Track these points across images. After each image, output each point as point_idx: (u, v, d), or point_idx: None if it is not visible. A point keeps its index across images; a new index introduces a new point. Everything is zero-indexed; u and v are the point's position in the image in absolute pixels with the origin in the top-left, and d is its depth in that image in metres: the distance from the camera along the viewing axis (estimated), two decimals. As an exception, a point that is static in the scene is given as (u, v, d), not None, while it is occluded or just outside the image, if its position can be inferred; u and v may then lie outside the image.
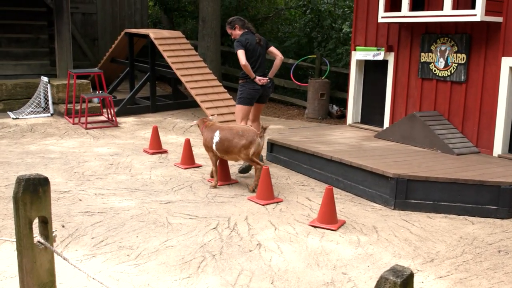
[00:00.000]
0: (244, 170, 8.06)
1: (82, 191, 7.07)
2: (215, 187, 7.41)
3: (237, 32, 8.40)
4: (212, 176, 7.67)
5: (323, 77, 13.38)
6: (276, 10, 18.98)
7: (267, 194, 6.87)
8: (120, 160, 8.67)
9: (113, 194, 6.99)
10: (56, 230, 3.22)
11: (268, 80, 8.38)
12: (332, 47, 14.74)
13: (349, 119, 10.38)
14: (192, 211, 6.43)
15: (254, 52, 8.26)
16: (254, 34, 8.40)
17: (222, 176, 7.63)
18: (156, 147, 9.29)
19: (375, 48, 9.69)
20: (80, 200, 6.74)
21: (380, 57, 9.57)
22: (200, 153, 9.20)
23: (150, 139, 9.37)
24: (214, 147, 7.34)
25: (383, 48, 9.54)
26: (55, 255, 3.21)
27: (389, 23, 9.39)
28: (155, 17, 22.70)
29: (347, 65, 13.47)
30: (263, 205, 6.74)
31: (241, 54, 8.07)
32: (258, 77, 8.23)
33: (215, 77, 12.24)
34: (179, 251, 5.28)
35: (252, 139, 7.15)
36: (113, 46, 14.36)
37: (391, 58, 9.50)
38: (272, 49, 8.54)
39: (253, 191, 7.27)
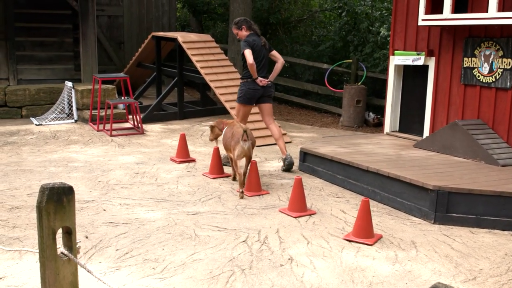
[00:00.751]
0: (287, 168, 8.92)
1: (106, 201, 7.14)
2: (242, 197, 7.50)
3: (243, 33, 9.00)
4: (234, 179, 8.33)
5: (359, 83, 13.34)
6: (310, 12, 19.00)
7: (299, 206, 6.87)
8: (146, 169, 8.74)
9: (139, 205, 7.05)
10: (80, 241, 3.26)
11: (269, 82, 8.99)
12: (369, 51, 14.70)
13: (387, 127, 10.34)
14: (221, 223, 6.45)
15: (259, 53, 8.91)
16: (260, 37, 9.04)
17: (252, 187, 7.65)
18: (184, 155, 9.34)
19: (415, 52, 9.65)
20: (104, 210, 6.81)
21: (420, 62, 9.52)
22: (228, 162, 9.22)
23: (177, 148, 9.43)
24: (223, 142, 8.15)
25: (423, 53, 9.49)
26: (78, 267, 3.25)
27: (430, 26, 9.34)
28: (183, 20, 22.87)
29: (385, 70, 13.41)
30: (295, 217, 6.74)
31: (248, 54, 8.67)
32: (260, 78, 8.86)
33: (246, 83, 12.27)
34: (206, 265, 5.30)
35: (237, 141, 7.70)
36: (140, 50, 14.49)
37: (431, 63, 9.45)
38: (275, 53, 9.23)
39: (234, 179, 8.22)
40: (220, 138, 9.10)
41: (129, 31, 17.72)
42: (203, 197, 7.44)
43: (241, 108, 9.03)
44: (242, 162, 7.89)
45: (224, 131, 8.12)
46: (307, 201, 7.15)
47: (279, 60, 9.14)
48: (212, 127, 8.49)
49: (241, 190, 7.50)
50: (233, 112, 11.22)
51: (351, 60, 13.87)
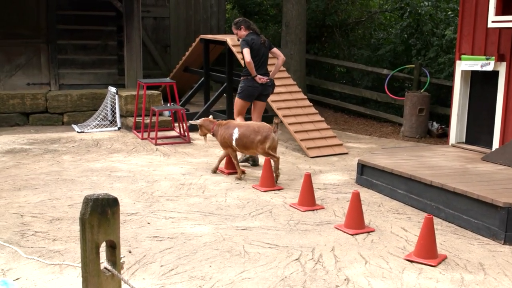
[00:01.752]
0: (253, 163, 9.93)
1: (150, 214, 7.22)
2: (240, 178, 8.92)
3: (242, 33, 9.88)
4: (214, 172, 9.29)
5: (422, 90, 13.22)
6: (369, 13, 18.91)
7: (357, 223, 6.83)
8: (193, 181, 8.81)
9: (185, 218, 7.11)
10: (124, 256, 3.31)
11: (268, 80, 9.82)
12: (433, 55, 14.57)
13: (452, 138, 10.22)
14: (272, 240, 6.46)
15: (258, 51, 9.75)
16: (259, 35, 9.89)
17: (306, 201, 7.64)
18: (233, 166, 9.38)
19: (484, 57, 9.52)
20: (149, 223, 6.88)
21: (490, 67, 9.39)
22: (282, 174, 9.24)
23: (226, 158, 9.49)
24: (234, 143, 8.92)
25: (493, 57, 9.36)
26: (122, 283, 3.29)
27: (500, 29, 9.21)
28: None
29: (451, 76, 13.27)
30: (352, 234, 6.71)
31: (246, 53, 9.56)
32: (258, 76, 9.71)
33: (299, 89, 12.29)
34: (257, 284, 5.31)
35: (267, 134, 8.71)
36: (187, 53, 14.63)
37: (502, 69, 9.31)
38: (275, 50, 10.02)
39: (277, 177, 8.75)
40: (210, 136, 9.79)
41: (175, 33, 17.91)
42: (253, 211, 7.46)
43: (240, 104, 9.89)
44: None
45: (236, 131, 8.92)
46: (365, 218, 7.10)
47: (280, 57, 9.95)
48: (200, 126, 9.44)
49: (278, 172, 8.78)
50: (286, 121, 11.24)
51: (413, 65, 13.76)
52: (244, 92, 9.79)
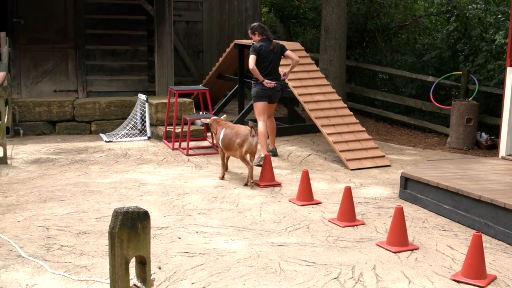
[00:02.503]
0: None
1: (181, 228, 7.25)
2: (222, 178, 9.65)
3: (256, 38, 10.94)
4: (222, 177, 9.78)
5: (470, 99, 13.12)
6: (413, 17, 18.83)
7: (400, 240, 6.79)
8: (226, 193, 8.84)
9: (217, 233, 7.12)
10: (154, 273, 3.33)
11: (276, 84, 10.83)
12: (482, 62, 14.45)
13: (502, 150, 10.12)
14: (310, 257, 6.45)
15: (266, 58, 10.78)
16: (271, 41, 10.88)
17: (346, 216, 7.61)
18: (268, 179, 9.39)
19: (537, 64, 9.43)
20: (179, 238, 6.91)
21: (543, 75, 9.30)
22: (320, 188, 9.23)
23: (261, 170, 9.50)
24: (220, 143, 9.59)
25: (547, 64, 9.26)
26: (152, 301, 3.31)
27: (555, 34, 9.12)
28: (269, 26, 23.04)
29: (501, 84, 13.14)
30: (394, 252, 6.67)
31: (251, 59, 10.61)
32: (266, 80, 10.74)
33: (339, 97, 12.27)
34: (293, 304, 5.31)
35: (245, 138, 9.20)
36: (220, 59, 14.69)
37: (557, 77, 9.21)
38: (288, 53, 11.01)
39: (246, 184, 9.33)
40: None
41: (209, 38, 18.00)
42: (289, 226, 7.46)
43: (258, 106, 10.89)
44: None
45: (223, 132, 9.58)
46: (408, 234, 7.06)
47: (293, 59, 10.96)
48: (210, 125, 10.23)
49: (251, 181, 9.28)
50: (325, 131, 11.23)
51: (460, 72, 13.66)
52: (256, 94, 10.87)
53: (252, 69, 10.63)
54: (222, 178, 9.72)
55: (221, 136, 9.58)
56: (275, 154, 11.31)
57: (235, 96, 14.24)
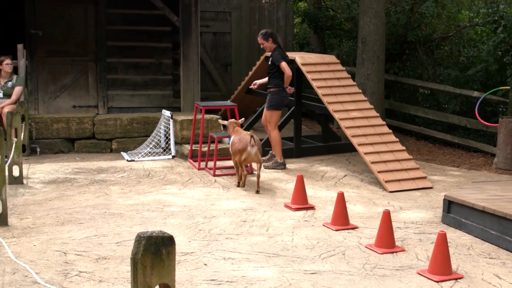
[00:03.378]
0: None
1: (208, 254, 7.26)
2: (238, 186, 10.50)
3: (269, 45, 11.83)
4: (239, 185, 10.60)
5: (519, 116, 13.03)
6: (457, 28, 18.76)
7: (442, 268, 6.74)
8: (255, 217, 8.84)
9: (246, 259, 7.12)
10: (179, 302, 3.34)
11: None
12: (532, 76, 14.36)
13: (555, 172, 10.03)
14: (345, 286, 6.42)
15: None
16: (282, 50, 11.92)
17: (384, 242, 7.58)
18: (301, 201, 9.38)
19: None
20: (206, 264, 6.92)
21: None
22: (357, 211, 9.20)
23: (293, 192, 9.49)
24: (230, 149, 10.58)
25: None
26: (177, 332, 3.31)
27: None
28: (302, 37, 23.10)
29: (553, 100, 13.05)
30: (437, 281, 6.63)
31: (286, 65, 11.50)
32: (289, 87, 11.81)
33: (377, 114, 12.24)
34: (327, 336, 5.29)
35: (245, 147, 10.08)
36: (250, 73, 14.74)
37: None
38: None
39: (238, 185, 10.52)
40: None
41: (237, 51, 18.06)
42: (323, 252, 7.44)
43: (276, 115, 11.79)
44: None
45: (232, 137, 10.54)
46: (452, 262, 7.01)
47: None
48: (226, 127, 11.10)
49: (242, 185, 10.47)
50: (362, 150, 11.20)
51: (508, 87, 13.57)
52: (278, 103, 11.73)
53: (290, 76, 11.57)
54: (238, 185, 10.51)
55: (230, 141, 10.57)
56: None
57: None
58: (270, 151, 12.19)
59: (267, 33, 11.92)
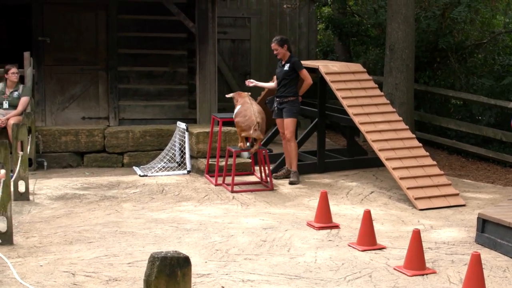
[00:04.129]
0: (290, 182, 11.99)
1: (225, 276, 7.26)
2: (242, 147, 11.66)
3: (283, 51, 12.03)
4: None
5: (558, 128, 12.98)
6: (492, 34, 18.71)
7: (477, 291, 6.71)
8: (276, 236, 8.83)
9: (266, 282, 7.12)
10: (195, 327, 3.34)
11: None
12: None
13: None
14: (372, 310, 6.40)
15: None
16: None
17: (413, 263, 7.55)
18: (325, 219, 9.36)
19: None
20: (223, 287, 6.92)
21: None
22: (384, 231, 9.18)
23: (317, 209, 9.47)
24: (233, 116, 11.51)
25: None
26: None
27: None
28: (326, 45, 23.09)
29: None
30: (471, 306, 6.59)
31: (308, 74, 11.99)
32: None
33: (406, 127, 12.22)
34: None
35: (247, 128, 11.17)
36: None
37: None
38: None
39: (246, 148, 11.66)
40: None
41: (257, 58, 18.10)
42: (349, 274, 7.43)
43: (295, 122, 12.12)
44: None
45: (238, 107, 11.52)
46: (487, 285, 6.97)
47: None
48: (233, 98, 12.04)
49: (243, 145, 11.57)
50: (389, 165, 11.17)
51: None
52: (297, 111, 12.16)
53: (311, 84, 12.07)
54: (242, 147, 11.64)
55: (235, 110, 11.54)
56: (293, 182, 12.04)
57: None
58: (285, 167, 12.29)
59: (283, 39, 12.14)
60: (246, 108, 11.40)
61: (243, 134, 11.33)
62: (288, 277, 7.26)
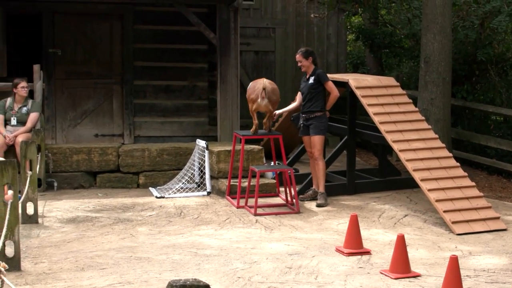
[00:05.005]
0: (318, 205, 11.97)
1: (248, 305, 7.25)
2: (254, 131, 12.34)
3: (308, 64, 12.08)
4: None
5: None
6: (535, 45, 18.66)
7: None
8: (303, 263, 8.81)
9: (292, 312, 7.10)
10: None
11: None
12: None
13: None
14: None
15: None
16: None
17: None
18: (355, 245, 9.33)
19: None
20: (245, 317, 6.91)
21: None
22: (419, 257, 9.13)
23: (346, 234, 9.45)
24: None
25: None
26: None
27: None
28: (356, 57, 23.09)
29: None
30: None
31: (333, 85, 12.04)
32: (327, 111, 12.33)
33: (443, 145, 12.18)
34: None
35: (256, 98, 11.81)
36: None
37: None
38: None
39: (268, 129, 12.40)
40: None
41: (282, 71, 18.10)
42: (381, 304, 7.39)
43: (323, 141, 12.12)
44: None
45: (251, 83, 12.25)
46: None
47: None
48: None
49: (252, 132, 12.33)
50: (425, 186, 11.12)
51: None
52: (326, 127, 12.18)
53: (337, 97, 12.02)
54: (255, 131, 12.34)
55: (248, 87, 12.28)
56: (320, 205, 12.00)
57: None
58: (312, 188, 12.31)
59: (308, 51, 12.18)
60: (257, 81, 12.11)
61: (254, 107, 11.92)
62: (315, 307, 7.25)
